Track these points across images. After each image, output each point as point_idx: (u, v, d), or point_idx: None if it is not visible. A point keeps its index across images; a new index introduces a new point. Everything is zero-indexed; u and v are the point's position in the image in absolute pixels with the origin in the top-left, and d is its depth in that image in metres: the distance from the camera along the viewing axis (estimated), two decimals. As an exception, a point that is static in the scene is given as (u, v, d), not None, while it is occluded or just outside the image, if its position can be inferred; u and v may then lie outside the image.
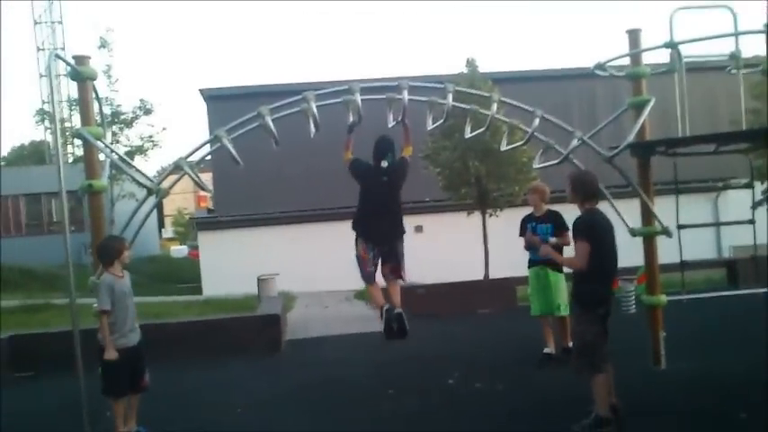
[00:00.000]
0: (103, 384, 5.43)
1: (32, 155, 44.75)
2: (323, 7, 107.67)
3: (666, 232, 6.74)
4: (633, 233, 6.90)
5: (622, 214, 6.86)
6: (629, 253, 8.67)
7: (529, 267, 7.65)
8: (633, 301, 11.07)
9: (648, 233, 6.95)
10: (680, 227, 6.86)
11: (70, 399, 5.88)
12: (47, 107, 30.44)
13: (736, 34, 6.46)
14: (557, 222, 7.33)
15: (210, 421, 6.25)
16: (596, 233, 5.07)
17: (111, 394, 5.45)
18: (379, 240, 6.56)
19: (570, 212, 7.27)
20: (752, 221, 7.05)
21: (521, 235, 7.63)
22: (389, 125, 6.79)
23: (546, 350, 7.54)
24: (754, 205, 7.77)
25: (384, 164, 6.21)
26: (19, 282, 22.96)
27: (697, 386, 6.27)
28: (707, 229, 19.32)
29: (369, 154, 6.32)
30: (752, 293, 9.55)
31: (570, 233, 6.84)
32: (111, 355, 5.31)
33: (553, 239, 7.16)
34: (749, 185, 7.51)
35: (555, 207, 7.47)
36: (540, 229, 7.42)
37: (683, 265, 7.34)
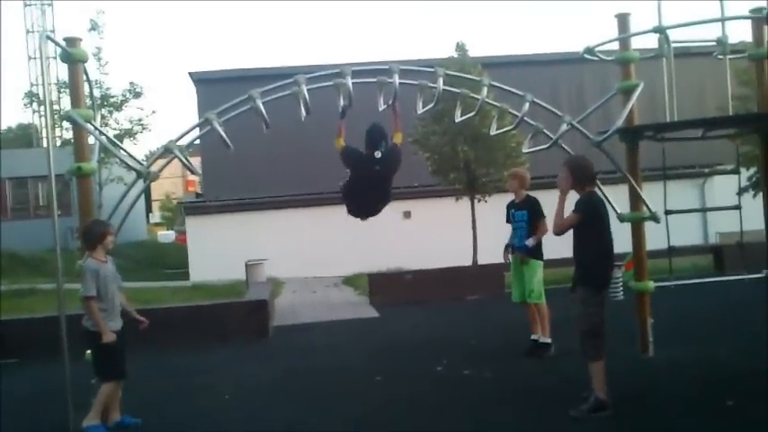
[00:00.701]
0: (101, 369, 5.40)
1: (19, 138, 44.36)
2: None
3: (654, 218, 6.78)
4: (621, 219, 6.93)
5: (611, 200, 6.90)
6: (616, 239, 8.74)
7: (511, 254, 7.64)
8: (621, 288, 11.14)
9: (637, 219, 6.98)
10: (667, 212, 6.90)
11: (55, 385, 5.86)
12: (35, 90, 30.23)
13: (723, 20, 6.49)
14: (533, 209, 7.34)
15: (198, 407, 6.25)
16: (598, 213, 5.21)
17: (111, 377, 5.43)
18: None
19: (546, 200, 7.34)
20: (738, 207, 7.09)
21: (507, 221, 7.65)
22: (380, 109, 6.78)
23: (532, 337, 7.55)
24: (740, 191, 7.81)
25: (377, 154, 6.15)
26: (5, 267, 22.80)
27: (685, 373, 6.33)
28: (694, 215, 19.43)
29: (359, 139, 6.29)
30: (738, 279, 9.65)
31: (545, 219, 6.97)
32: (109, 337, 5.31)
33: (530, 241, 7.23)
34: (735, 171, 7.54)
35: (545, 192, 7.49)
36: (517, 215, 7.44)
37: (671, 251, 7.38)
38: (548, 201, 7.70)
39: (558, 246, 7.07)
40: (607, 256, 5.25)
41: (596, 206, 5.23)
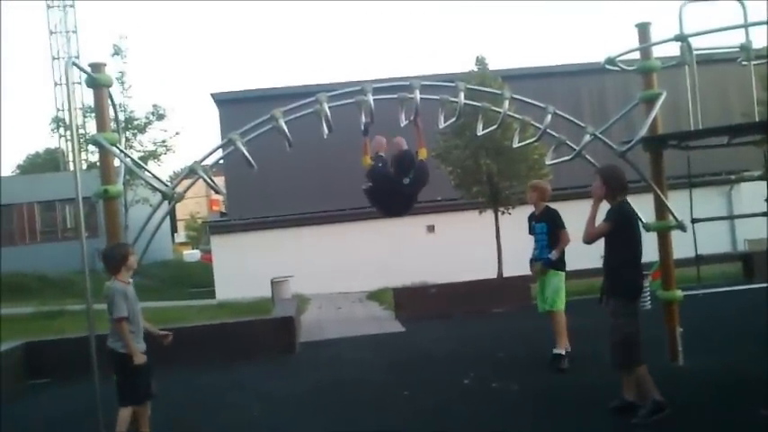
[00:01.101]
0: (125, 393, 5.37)
1: (47, 163, 45.11)
2: (332, 8, 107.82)
3: (681, 227, 6.71)
4: (647, 228, 6.86)
5: (636, 209, 6.84)
6: (643, 248, 8.66)
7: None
8: (648, 297, 11.00)
9: (663, 228, 6.92)
10: (694, 221, 6.82)
11: (86, 405, 5.91)
12: (61, 114, 30.77)
13: (746, 26, 6.43)
14: (553, 221, 7.30)
15: (228, 424, 6.28)
16: (630, 222, 5.25)
17: (132, 402, 5.41)
18: None
19: (570, 211, 7.31)
20: (766, 214, 6.99)
21: (530, 233, 7.63)
22: (401, 125, 6.81)
23: (555, 351, 7.44)
24: (768, 198, 7.69)
25: (405, 180, 6.18)
26: (34, 288, 23.14)
27: (715, 382, 6.23)
28: (721, 222, 19.21)
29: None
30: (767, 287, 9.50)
31: (565, 230, 6.94)
32: (141, 359, 5.30)
33: (554, 254, 7.19)
34: (763, 177, 7.45)
35: (573, 203, 7.47)
36: (537, 227, 7.42)
37: (699, 260, 7.30)
38: (571, 212, 7.68)
39: (582, 257, 7.04)
40: (637, 266, 5.25)
41: (628, 215, 5.26)
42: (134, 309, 5.44)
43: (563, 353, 7.26)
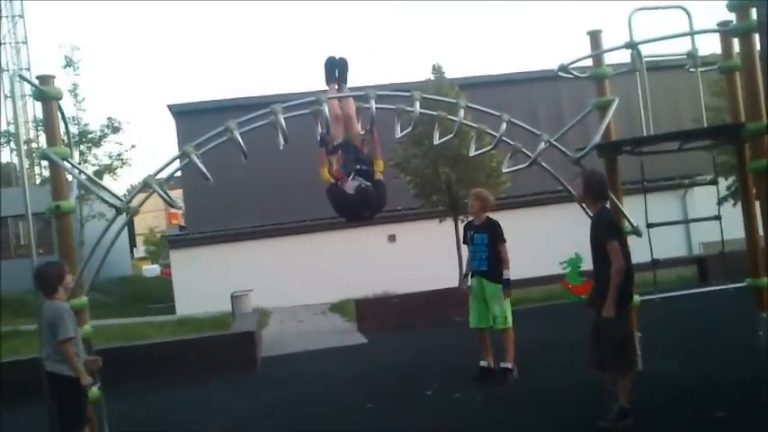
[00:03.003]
0: (71, 418, 5.13)
1: (-1, 177, 43.99)
2: (288, 19, 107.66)
3: (636, 232, 6.80)
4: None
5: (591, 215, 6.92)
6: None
7: (471, 277, 7.49)
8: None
9: (618, 233, 6.98)
10: (649, 225, 6.93)
11: (39, 429, 5.73)
12: (12, 128, 30.09)
13: (692, 33, 6.57)
14: (494, 233, 7.24)
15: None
16: (620, 229, 5.36)
17: (79, 427, 5.19)
18: None
19: (507, 220, 7.34)
20: (718, 217, 7.13)
21: (465, 242, 7.57)
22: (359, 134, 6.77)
23: (482, 363, 7.44)
24: (720, 201, 7.85)
25: (366, 213, 5.89)
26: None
27: (674, 385, 6.32)
28: (677, 226, 19.55)
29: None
30: (722, 289, 9.64)
31: (505, 244, 7.06)
32: (87, 380, 5.09)
33: (507, 273, 7.13)
34: (714, 182, 7.60)
35: (526, 210, 7.50)
36: (476, 237, 7.32)
37: (655, 264, 7.40)
38: (529, 219, 7.74)
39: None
40: (628, 271, 5.27)
41: (616, 223, 5.38)
42: (77, 331, 5.25)
43: (511, 366, 7.26)
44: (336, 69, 6.43)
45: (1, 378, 8.68)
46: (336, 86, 6.45)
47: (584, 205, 5.98)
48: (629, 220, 6.85)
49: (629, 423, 5.16)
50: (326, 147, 6.02)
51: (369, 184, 5.78)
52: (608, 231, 5.24)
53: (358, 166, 5.91)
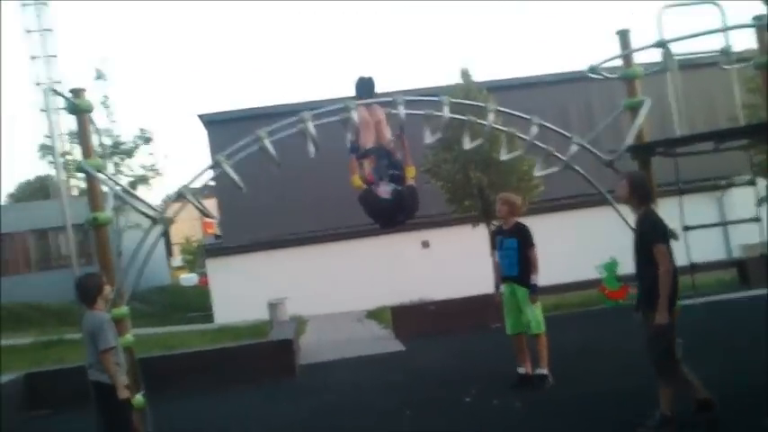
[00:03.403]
0: (113, 427, 5.25)
1: (38, 190, 44.95)
2: (317, 26, 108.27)
3: (672, 235, 6.69)
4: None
5: (627, 219, 6.84)
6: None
7: (501, 283, 7.48)
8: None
9: (654, 236, 6.89)
10: (686, 228, 6.80)
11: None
12: (49, 141, 30.72)
13: (726, 29, 6.46)
14: (523, 237, 7.20)
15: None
16: (666, 233, 5.26)
17: None
18: None
19: (541, 224, 7.24)
20: (757, 219, 6.97)
21: (494, 248, 7.51)
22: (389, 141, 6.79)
23: (520, 370, 7.41)
24: (759, 202, 7.67)
25: (400, 217, 5.91)
26: (32, 318, 23.01)
27: (716, 393, 6.20)
28: (715, 229, 19.18)
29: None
30: (765, 294, 9.45)
31: (535, 248, 7.02)
32: (125, 393, 5.18)
33: (535, 278, 7.10)
34: (752, 182, 7.44)
35: (559, 214, 7.44)
36: (506, 243, 7.28)
37: (693, 268, 7.27)
38: (563, 223, 7.65)
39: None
40: (674, 276, 5.20)
41: (664, 226, 5.27)
42: (118, 341, 5.35)
43: (547, 372, 7.21)
44: (363, 88, 6.45)
45: (50, 386, 8.92)
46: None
47: (616, 207, 5.90)
48: (630, 226, 6.77)
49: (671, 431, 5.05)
50: (356, 153, 6.05)
51: (403, 187, 5.80)
52: (654, 234, 5.17)
53: (390, 171, 5.94)
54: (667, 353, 5.12)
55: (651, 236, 5.16)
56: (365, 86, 6.49)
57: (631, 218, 6.76)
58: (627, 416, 5.69)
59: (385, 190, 5.78)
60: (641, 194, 5.38)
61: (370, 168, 6.01)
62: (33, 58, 35.28)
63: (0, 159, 69.71)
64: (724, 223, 12.58)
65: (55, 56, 35.39)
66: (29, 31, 35.50)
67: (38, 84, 34.74)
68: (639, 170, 5.81)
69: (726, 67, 6.72)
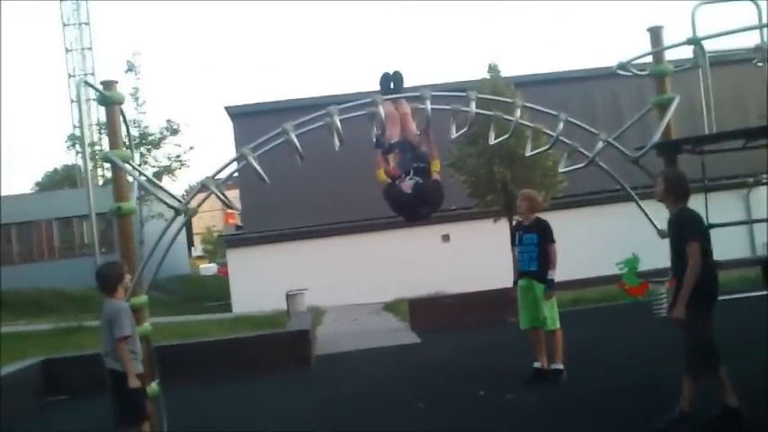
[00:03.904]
0: (127, 414, 5.28)
1: (65, 179, 45.51)
2: (344, 20, 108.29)
3: (663, 234, 6.61)
4: (662, 235, 6.76)
5: (650, 216, 6.76)
6: (658, 255, 8.48)
7: (518, 279, 7.46)
8: (665, 304, 10.91)
9: (679, 234, 6.81)
10: (710, 226, 6.72)
11: (103, 421, 5.91)
12: (78, 132, 31.07)
13: (761, 26, 6.34)
14: (544, 233, 7.17)
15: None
16: (702, 229, 5.18)
17: (134, 423, 5.34)
18: None
19: (564, 220, 7.18)
20: (784, 217, 6.89)
21: (513, 243, 7.49)
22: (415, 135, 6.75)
23: (535, 364, 7.37)
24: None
25: (423, 210, 5.79)
26: (53, 305, 23.31)
27: (737, 390, 6.12)
28: (739, 226, 18.98)
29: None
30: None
31: (555, 245, 7.06)
32: (135, 383, 5.19)
33: (552, 273, 7.07)
34: (780, 181, 7.34)
35: (581, 210, 7.37)
36: (525, 238, 7.26)
37: (717, 266, 7.17)
38: (586, 219, 7.59)
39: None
40: (713, 269, 5.17)
41: (700, 222, 5.21)
42: (135, 330, 5.38)
43: (562, 367, 7.17)
44: (391, 82, 6.41)
45: (67, 372, 9.02)
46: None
47: (639, 204, 5.83)
48: (653, 223, 6.70)
49: (687, 429, 5.02)
50: (382, 148, 6.02)
51: (426, 181, 5.75)
52: (689, 231, 5.10)
53: (415, 164, 5.89)
54: (700, 349, 5.04)
55: (686, 233, 5.10)
56: (394, 81, 6.44)
57: (657, 215, 6.70)
58: (640, 412, 5.67)
59: (408, 185, 5.75)
60: (678, 192, 5.31)
61: (395, 163, 5.97)
62: (69, 50, 35.76)
63: None
64: (750, 221, 12.42)
65: (90, 48, 35.87)
66: (66, 25, 35.92)
67: (71, 75, 35.21)
68: (676, 167, 5.70)
69: (759, 64, 6.60)
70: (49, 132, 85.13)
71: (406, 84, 6.60)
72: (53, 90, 69.04)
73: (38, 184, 51.40)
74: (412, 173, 5.77)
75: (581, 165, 6.93)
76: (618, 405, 6.05)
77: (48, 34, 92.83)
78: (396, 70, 6.45)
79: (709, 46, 6.41)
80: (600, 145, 6.51)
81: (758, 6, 6.27)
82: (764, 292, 11.02)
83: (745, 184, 20.77)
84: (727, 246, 7.67)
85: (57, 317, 19.03)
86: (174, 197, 6.19)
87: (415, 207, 5.75)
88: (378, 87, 6.45)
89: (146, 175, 6.89)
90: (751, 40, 6.56)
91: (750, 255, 20.47)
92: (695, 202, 7.08)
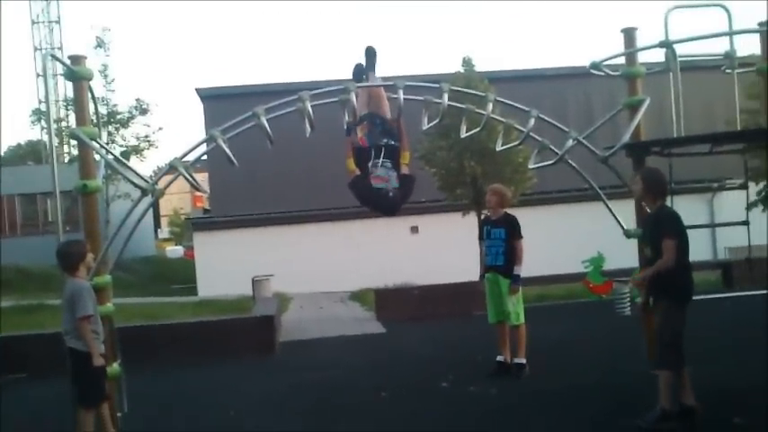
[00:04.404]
0: (89, 393, 5.22)
1: (29, 154, 44.71)
2: (320, 7, 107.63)
3: (640, 236, 6.72)
4: (628, 235, 6.88)
5: (617, 215, 6.85)
6: (623, 254, 8.61)
7: (485, 272, 7.48)
8: (628, 304, 11.07)
9: (643, 234, 6.92)
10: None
11: (61, 400, 5.84)
12: (43, 107, 30.51)
13: (731, 33, 6.45)
14: (511, 228, 7.19)
15: (203, 424, 6.24)
16: (682, 227, 5.19)
17: (95, 403, 5.30)
18: None
19: (532, 217, 7.25)
20: (746, 223, 7.01)
21: (481, 238, 7.53)
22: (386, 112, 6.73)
23: (498, 358, 7.42)
24: (749, 206, 7.71)
25: (390, 194, 5.64)
26: (14, 282, 22.87)
27: (697, 390, 6.25)
28: (702, 230, 19.28)
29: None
30: (747, 295, 9.53)
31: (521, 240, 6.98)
32: (99, 361, 5.15)
33: (517, 268, 7.11)
34: (744, 186, 7.48)
35: (552, 207, 7.44)
36: (494, 232, 7.28)
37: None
38: (554, 216, 7.66)
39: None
40: (689, 268, 5.22)
41: (678, 220, 5.22)
42: (96, 309, 5.31)
43: (524, 362, 7.24)
44: (365, 60, 6.38)
45: (26, 350, 8.89)
46: (365, 77, 6.40)
47: (607, 203, 5.90)
48: (620, 223, 6.81)
49: (671, 427, 5.06)
50: (353, 136, 5.98)
51: (393, 189, 5.63)
52: (667, 228, 5.13)
53: (385, 140, 5.81)
54: (669, 343, 5.11)
55: (662, 230, 5.13)
56: (366, 56, 6.40)
57: (621, 214, 6.80)
58: (600, 408, 5.80)
59: (380, 177, 5.68)
60: (656, 191, 5.32)
61: (363, 133, 5.91)
62: (35, 23, 34.94)
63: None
64: (712, 225, 12.67)
65: (57, 22, 35.08)
66: (33, -3, 35.07)
67: (37, 49, 34.43)
68: (655, 166, 5.71)
69: (728, 71, 6.72)
70: (14, 106, 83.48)
71: (380, 73, 6.57)
72: (18, 63, 67.75)
73: (0, 158, 50.42)
74: (382, 158, 5.69)
75: (551, 162, 7.00)
76: (578, 401, 6.13)
77: (13, 5, 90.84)
78: (369, 45, 6.41)
79: (681, 50, 6.50)
80: (570, 143, 6.58)
81: (729, 13, 6.37)
82: (724, 294, 11.28)
83: (709, 188, 21.13)
84: (690, 248, 7.78)
85: (17, 294, 18.69)
86: (141, 177, 6.11)
87: (379, 207, 5.74)
88: (352, 74, 6.42)
89: (113, 154, 6.80)
90: (722, 46, 6.68)
91: (711, 258, 20.87)
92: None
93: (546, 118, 6.68)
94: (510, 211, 7.53)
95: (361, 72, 6.37)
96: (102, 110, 19.11)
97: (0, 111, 76.42)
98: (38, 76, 34.57)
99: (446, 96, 6.33)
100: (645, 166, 6.74)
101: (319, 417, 6.22)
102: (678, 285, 5.15)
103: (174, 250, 45.42)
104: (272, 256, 20.46)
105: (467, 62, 16.32)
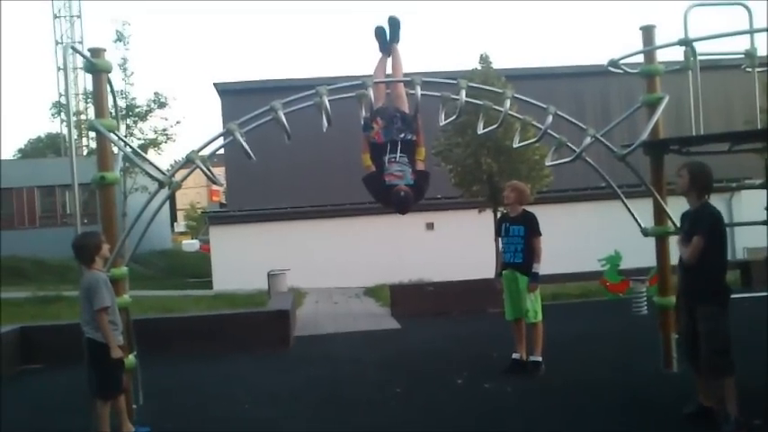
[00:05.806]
0: (107, 385, 5.24)
1: (48, 147, 45.07)
2: (337, 2, 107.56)
3: (679, 232, 6.67)
4: (646, 233, 6.84)
5: (635, 214, 6.81)
6: (641, 253, 8.55)
7: (502, 270, 7.43)
8: (645, 303, 10.99)
9: (661, 233, 6.87)
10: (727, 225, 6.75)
11: (78, 392, 5.89)
12: (63, 100, 30.74)
13: (752, 32, 6.37)
14: (530, 225, 7.12)
15: (218, 416, 6.26)
16: (722, 226, 5.08)
17: (114, 395, 5.33)
18: None
19: (549, 214, 7.18)
20: (765, 223, 6.95)
21: (499, 235, 7.48)
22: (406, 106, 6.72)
23: (514, 355, 7.38)
24: (769, 206, 7.62)
25: (402, 194, 5.70)
26: (31, 273, 23.13)
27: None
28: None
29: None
30: (766, 296, 9.39)
31: (540, 238, 6.97)
32: (118, 353, 5.18)
33: (537, 266, 7.03)
34: (764, 186, 7.39)
35: (567, 205, 7.39)
36: (513, 229, 7.21)
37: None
38: (570, 214, 7.62)
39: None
40: (723, 270, 5.12)
41: (719, 220, 5.07)
42: (114, 300, 5.34)
43: (540, 359, 7.21)
44: (389, 29, 6.36)
45: (44, 341, 8.99)
46: (389, 55, 6.40)
47: (624, 201, 5.84)
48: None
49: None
50: (370, 132, 6.00)
51: (406, 189, 5.66)
52: (704, 227, 4.97)
53: (402, 135, 5.85)
54: (726, 351, 4.98)
55: (698, 226, 4.98)
56: (390, 26, 6.39)
57: (638, 212, 6.75)
58: (616, 407, 5.77)
59: (394, 174, 5.70)
60: (701, 186, 5.12)
61: (379, 127, 5.91)
62: (57, 17, 35.22)
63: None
64: (731, 224, 12.51)
65: (79, 16, 35.36)
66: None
67: (58, 42, 34.74)
68: (702, 161, 5.52)
69: (748, 69, 6.64)
70: (34, 99, 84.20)
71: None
72: (39, 57, 68.29)
73: (20, 150, 50.84)
74: (398, 153, 5.71)
75: (568, 159, 6.95)
76: (593, 399, 6.10)
77: (36, 1, 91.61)
78: (392, 15, 6.37)
79: (701, 48, 6.44)
80: (588, 140, 6.53)
81: (749, 11, 6.30)
82: (743, 295, 11.17)
83: (728, 188, 20.93)
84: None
85: (35, 286, 18.88)
86: (158, 170, 6.14)
87: (391, 203, 5.76)
88: (369, 68, 6.40)
89: (131, 146, 6.84)
90: (741, 44, 6.61)
91: (730, 258, 20.66)
92: (679, 204, 7.15)
93: (563, 115, 6.64)
94: (527, 208, 7.48)
95: (385, 37, 6.34)
96: (121, 103, 19.19)
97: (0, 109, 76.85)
98: (58, 69, 34.88)
99: (464, 93, 6.31)
100: (653, 166, 6.68)
101: (333, 410, 6.24)
102: (721, 289, 5.05)
103: (191, 244, 45.59)
104: (287, 250, 20.52)
105: (484, 59, 16.26)
